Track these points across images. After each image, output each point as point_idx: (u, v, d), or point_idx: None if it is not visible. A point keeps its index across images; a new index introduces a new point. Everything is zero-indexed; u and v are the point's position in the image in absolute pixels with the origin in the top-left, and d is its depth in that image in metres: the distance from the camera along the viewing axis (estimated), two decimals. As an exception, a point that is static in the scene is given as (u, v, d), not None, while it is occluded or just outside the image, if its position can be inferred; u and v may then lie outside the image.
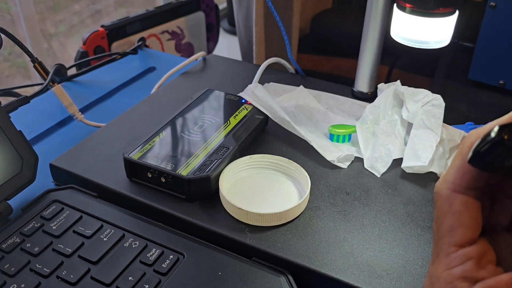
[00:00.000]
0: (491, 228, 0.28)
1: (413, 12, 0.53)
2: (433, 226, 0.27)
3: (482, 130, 0.25)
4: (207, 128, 0.53)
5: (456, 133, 0.52)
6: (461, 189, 0.26)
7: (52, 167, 0.51)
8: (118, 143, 0.54)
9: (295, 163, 0.49)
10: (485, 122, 0.57)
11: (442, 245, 0.26)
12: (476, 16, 0.73)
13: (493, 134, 0.23)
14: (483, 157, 0.24)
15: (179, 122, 0.54)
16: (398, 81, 0.56)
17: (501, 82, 0.70)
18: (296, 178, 0.49)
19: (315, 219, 0.45)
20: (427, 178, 0.50)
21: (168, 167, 0.46)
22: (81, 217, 0.45)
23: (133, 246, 0.42)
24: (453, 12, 0.53)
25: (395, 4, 0.55)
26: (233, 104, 0.57)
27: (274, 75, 0.69)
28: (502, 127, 0.23)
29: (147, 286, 0.38)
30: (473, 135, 0.25)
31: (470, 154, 0.24)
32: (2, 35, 0.52)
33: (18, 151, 0.46)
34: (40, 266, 0.40)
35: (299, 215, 0.45)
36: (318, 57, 0.99)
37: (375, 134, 0.54)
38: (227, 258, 0.41)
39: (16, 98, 0.52)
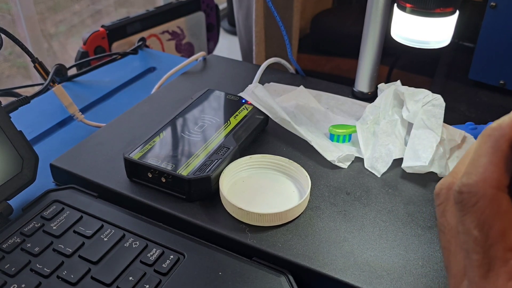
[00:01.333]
0: None
1: (414, 12, 0.53)
2: (472, 234, 0.23)
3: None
4: (207, 128, 0.53)
5: (457, 133, 0.52)
6: (503, 187, 0.23)
7: (53, 167, 0.51)
8: (118, 143, 0.54)
9: (296, 163, 0.49)
10: (485, 122, 0.57)
11: (496, 253, 0.23)
12: (476, 16, 0.73)
13: None
14: None
15: (179, 122, 0.54)
16: (398, 81, 0.56)
17: (501, 82, 0.70)
18: (296, 178, 0.49)
19: (315, 219, 0.45)
20: (428, 178, 0.50)
21: (169, 167, 0.46)
22: (81, 217, 0.45)
23: (134, 246, 0.42)
24: (453, 12, 0.53)
25: (395, 4, 0.55)
26: (233, 104, 0.58)
27: (274, 75, 0.69)
28: None
29: (147, 286, 0.39)
30: (505, 124, 0.23)
31: None
32: (3, 35, 0.52)
33: (19, 151, 0.46)
34: (41, 266, 0.40)
35: (300, 215, 0.45)
36: (318, 57, 0.99)
37: (376, 134, 0.54)
38: (228, 258, 0.41)
39: (16, 98, 0.52)
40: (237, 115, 0.55)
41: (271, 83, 0.67)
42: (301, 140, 0.54)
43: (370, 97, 0.64)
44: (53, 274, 0.39)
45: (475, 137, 0.54)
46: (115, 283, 0.39)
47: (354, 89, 0.65)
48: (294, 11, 0.88)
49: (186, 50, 1.04)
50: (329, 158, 0.51)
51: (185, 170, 0.46)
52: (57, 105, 0.63)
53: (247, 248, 0.42)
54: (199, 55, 0.73)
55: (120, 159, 0.49)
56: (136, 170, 0.48)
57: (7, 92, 0.70)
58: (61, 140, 0.60)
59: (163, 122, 0.53)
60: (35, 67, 0.62)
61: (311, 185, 0.47)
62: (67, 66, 0.73)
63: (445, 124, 0.52)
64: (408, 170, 0.50)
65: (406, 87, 0.54)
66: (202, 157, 0.48)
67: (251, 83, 0.64)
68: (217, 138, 0.51)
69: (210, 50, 1.12)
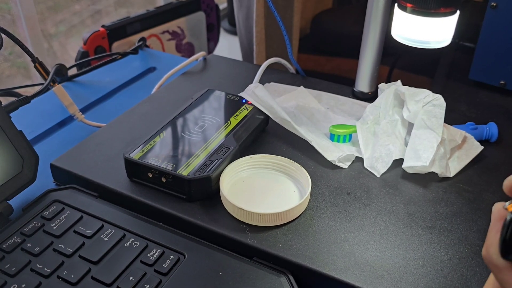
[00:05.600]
0: None
1: (414, 12, 0.53)
2: None
3: None
4: (208, 128, 0.53)
5: (457, 133, 0.52)
6: None
7: (53, 167, 0.51)
8: (118, 143, 0.54)
9: (296, 163, 0.49)
10: (485, 122, 0.57)
11: None
12: (476, 16, 0.73)
13: None
14: None
15: (179, 122, 0.54)
16: (399, 81, 0.56)
17: (501, 82, 0.70)
18: (296, 178, 0.49)
19: (315, 219, 0.45)
20: (428, 178, 0.50)
21: (169, 167, 0.46)
22: (81, 217, 0.45)
23: (134, 246, 0.42)
24: (454, 12, 0.53)
25: (396, 4, 0.55)
26: (233, 104, 0.57)
27: (274, 75, 0.69)
28: None
29: (147, 286, 0.38)
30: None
31: None
32: (3, 35, 0.52)
33: (19, 151, 0.46)
34: (41, 266, 0.40)
35: (300, 215, 0.45)
36: (318, 57, 0.99)
37: (376, 134, 0.54)
38: (228, 258, 0.41)
39: (16, 98, 0.52)
40: (237, 115, 0.55)
41: (272, 83, 0.67)
42: (301, 140, 0.54)
43: (370, 97, 0.64)
44: (53, 274, 0.39)
45: (476, 137, 0.54)
46: (116, 283, 0.39)
47: (355, 89, 0.65)
48: (295, 11, 0.88)
49: (186, 50, 1.04)
50: (329, 158, 0.51)
51: (186, 170, 0.46)
52: (57, 105, 0.63)
53: (247, 248, 0.42)
54: (199, 55, 0.73)
55: (120, 159, 0.49)
56: (137, 170, 0.48)
57: (7, 92, 0.70)
58: (61, 140, 0.60)
59: (163, 122, 0.53)
60: (35, 67, 0.62)
61: (312, 185, 0.46)
62: (67, 66, 0.73)
63: (446, 124, 0.52)
64: (408, 170, 0.50)
65: (407, 87, 0.54)
66: (203, 157, 0.48)
67: (251, 83, 0.64)
68: (218, 138, 0.51)
69: (210, 50, 1.12)
